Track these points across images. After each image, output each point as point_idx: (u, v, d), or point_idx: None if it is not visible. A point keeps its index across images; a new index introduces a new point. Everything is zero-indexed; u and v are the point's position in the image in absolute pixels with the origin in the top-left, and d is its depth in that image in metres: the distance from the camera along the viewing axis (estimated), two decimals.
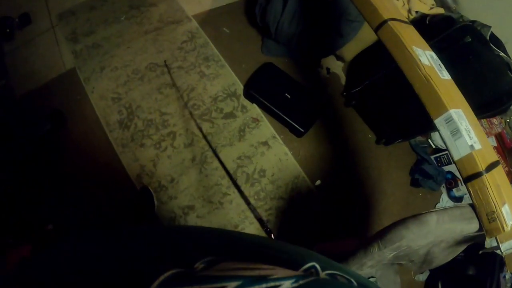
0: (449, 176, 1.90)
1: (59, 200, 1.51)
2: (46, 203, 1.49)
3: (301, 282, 0.24)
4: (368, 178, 1.83)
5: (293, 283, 0.23)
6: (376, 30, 0.99)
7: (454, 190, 1.87)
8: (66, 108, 1.72)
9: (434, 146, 1.98)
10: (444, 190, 1.93)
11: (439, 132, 0.80)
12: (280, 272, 0.25)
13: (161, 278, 0.21)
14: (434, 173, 1.83)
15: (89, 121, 1.72)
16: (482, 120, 1.75)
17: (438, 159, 1.93)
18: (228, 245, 0.35)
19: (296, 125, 1.74)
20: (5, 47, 1.95)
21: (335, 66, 2.10)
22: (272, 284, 0.22)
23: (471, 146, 0.74)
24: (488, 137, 1.68)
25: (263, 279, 0.23)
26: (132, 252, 0.29)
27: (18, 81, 1.83)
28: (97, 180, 1.59)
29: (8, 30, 1.92)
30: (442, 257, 0.83)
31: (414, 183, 1.88)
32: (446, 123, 0.78)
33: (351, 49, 1.91)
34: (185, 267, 0.23)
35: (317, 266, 0.31)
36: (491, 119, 1.88)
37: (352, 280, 0.31)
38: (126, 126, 1.70)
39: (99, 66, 1.86)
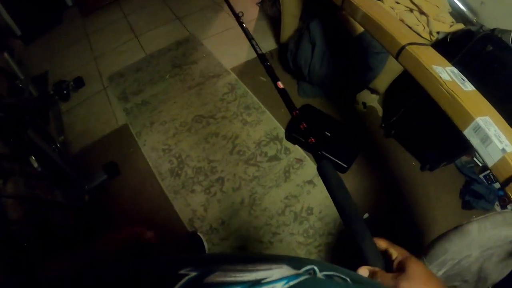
0: (501, 193, 1.86)
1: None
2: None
3: (291, 283, 0.27)
4: (417, 206, 1.85)
5: (283, 285, 0.26)
6: (396, 57, 1.07)
7: (508, 206, 1.84)
8: (120, 160, 1.97)
9: (481, 165, 1.98)
10: (498, 209, 1.89)
11: (470, 143, 0.83)
12: (275, 273, 0.28)
13: (180, 282, 0.24)
14: (485, 192, 1.82)
15: (142, 171, 1.97)
16: None
17: (487, 177, 1.91)
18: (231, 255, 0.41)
19: (338, 161, 1.86)
20: (62, 107, 2.34)
21: (371, 100, 2.25)
22: (264, 287, 0.26)
23: (503, 149, 0.76)
24: None
25: (257, 283, 0.26)
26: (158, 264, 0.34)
27: (75, 137, 2.15)
28: (150, 225, 1.76)
29: (65, 92, 2.29)
30: (497, 273, 0.83)
31: (466, 206, 1.87)
32: (475, 132, 0.81)
33: (384, 80, 2.02)
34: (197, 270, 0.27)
35: (316, 268, 0.33)
36: None
37: (347, 279, 0.35)
38: (177, 174, 1.93)
39: (149, 121, 2.18)
